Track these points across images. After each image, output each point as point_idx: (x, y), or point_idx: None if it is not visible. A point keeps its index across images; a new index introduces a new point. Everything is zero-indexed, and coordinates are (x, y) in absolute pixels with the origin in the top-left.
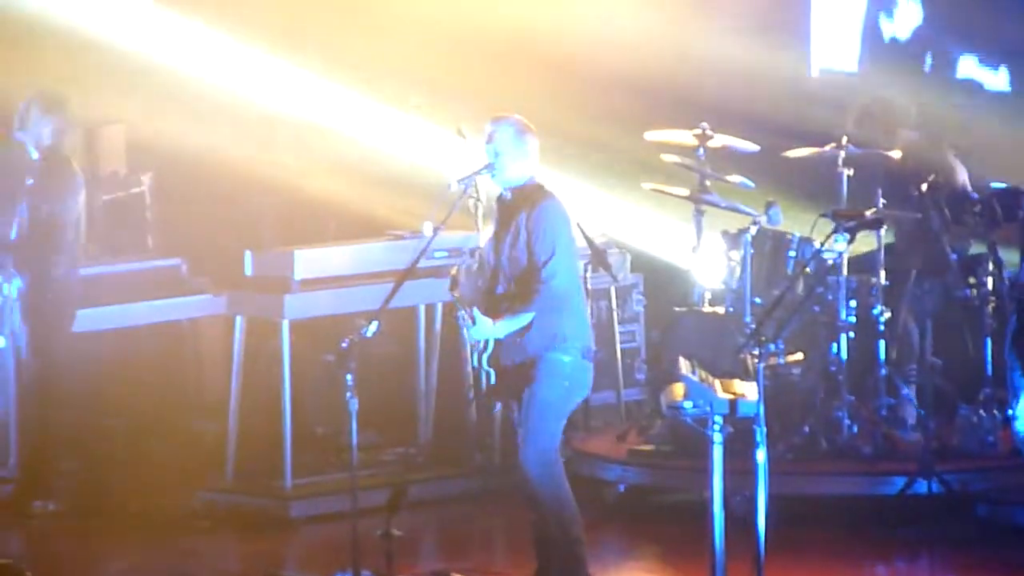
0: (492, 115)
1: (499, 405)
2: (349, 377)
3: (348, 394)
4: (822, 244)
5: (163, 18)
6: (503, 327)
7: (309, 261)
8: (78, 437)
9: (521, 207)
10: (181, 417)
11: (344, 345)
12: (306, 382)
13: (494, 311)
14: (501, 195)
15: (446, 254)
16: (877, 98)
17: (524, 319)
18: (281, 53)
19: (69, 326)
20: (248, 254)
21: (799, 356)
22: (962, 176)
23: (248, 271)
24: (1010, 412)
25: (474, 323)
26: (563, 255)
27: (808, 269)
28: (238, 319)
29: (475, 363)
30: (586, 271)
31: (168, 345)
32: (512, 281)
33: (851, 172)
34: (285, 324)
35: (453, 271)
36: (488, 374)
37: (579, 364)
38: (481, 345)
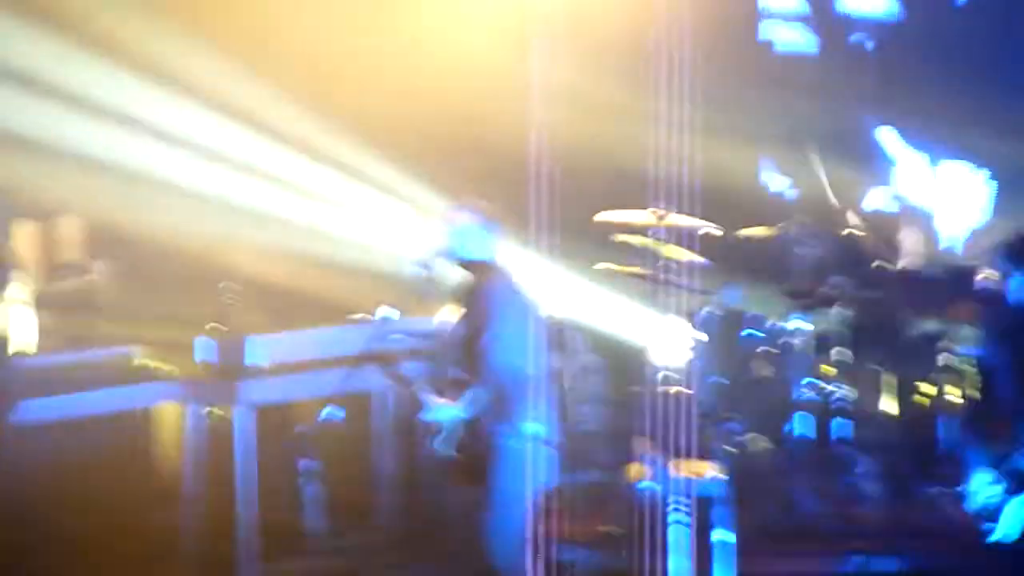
0: (451, 198)
1: (455, 490)
2: (305, 463)
3: (304, 480)
4: (779, 322)
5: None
6: (459, 408)
7: (263, 347)
8: (26, 529)
9: (482, 288)
10: (134, 507)
11: (300, 431)
12: (262, 469)
13: (451, 393)
14: (464, 277)
15: (403, 338)
16: (838, 176)
17: (483, 398)
18: (237, 138)
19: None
20: (200, 340)
21: (758, 436)
22: (921, 253)
23: (201, 358)
24: (963, 489)
25: (431, 405)
26: (522, 337)
27: (765, 348)
28: (191, 406)
29: (432, 446)
30: (543, 352)
31: (120, 434)
32: (469, 362)
33: (807, 250)
34: (239, 410)
35: (401, 353)
36: (443, 458)
37: (538, 446)
38: (436, 428)
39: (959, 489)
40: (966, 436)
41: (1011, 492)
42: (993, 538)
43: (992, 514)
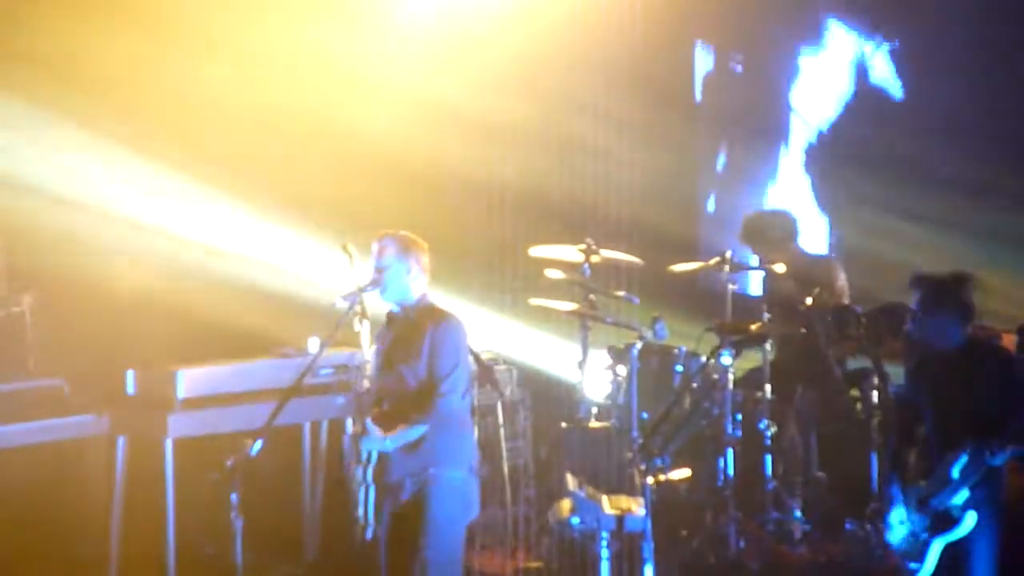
0: (377, 231)
1: (377, 524)
2: (234, 496)
3: (233, 513)
4: (708, 358)
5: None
6: (396, 439)
7: (192, 379)
8: None
9: (424, 324)
10: (62, 540)
11: (229, 464)
12: (191, 502)
13: (385, 425)
14: (393, 312)
15: (332, 371)
16: (765, 212)
17: (418, 432)
18: (163, 169)
19: None
20: (130, 373)
21: (686, 472)
22: (846, 290)
23: (130, 390)
24: (882, 524)
25: (367, 433)
26: (462, 372)
27: (694, 383)
28: (120, 439)
29: (360, 479)
30: (473, 387)
31: (50, 467)
32: (402, 397)
33: (736, 287)
34: (168, 443)
35: (331, 386)
36: (369, 488)
37: (469, 480)
38: (366, 458)
39: (884, 526)
40: (888, 474)
41: (934, 532)
42: None
43: (917, 554)
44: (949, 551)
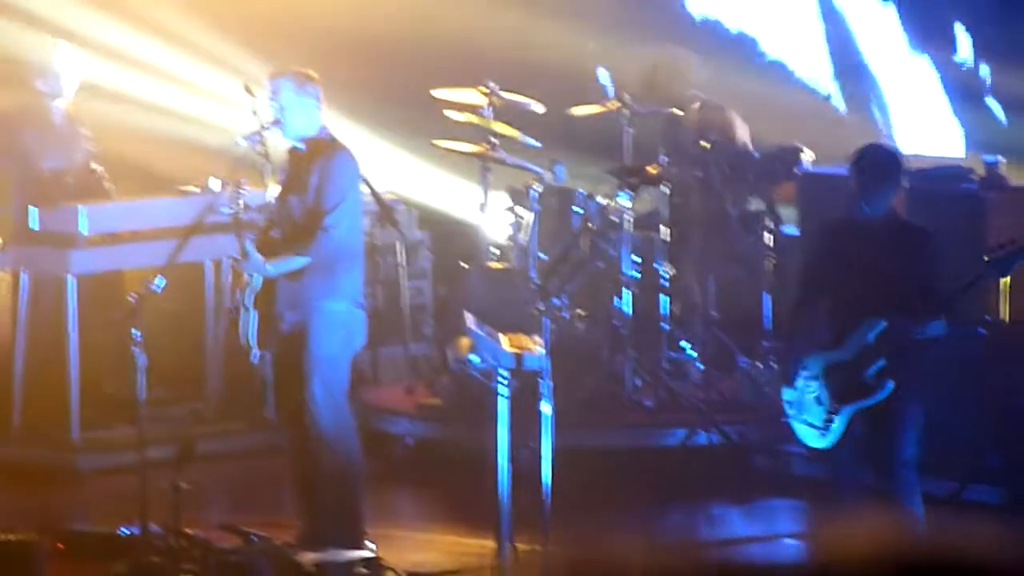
0: (278, 70)
1: (261, 354)
2: (137, 332)
3: (136, 349)
4: (606, 200)
5: None
6: (276, 265)
7: (95, 216)
8: None
9: (315, 157)
10: None
11: (132, 300)
12: (94, 337)
13: (270, 252)
14: (293, 147)
15: (234, 209)
16: (666, 57)
17: (299, 261)
18: (70, 9)
19: None
20: (33, 209)
21: (584, 312)
22: (744, 134)
23: (33, 226)
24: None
25: (247, 257)
26: (349, 207)
27: (592, 225)
28: (23, 276)
29: (243, 303)
30: (374, 227)
31: None
32: (290, 226)
33: (634, 130)
34: (71, 279)
35: (231, 225)
36: (251, 313)
37: (352, 312)
38: (248, 282)
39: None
40: (789, 340)
41: (844, 400)
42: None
43: (823, 422)
44: (869, 420)
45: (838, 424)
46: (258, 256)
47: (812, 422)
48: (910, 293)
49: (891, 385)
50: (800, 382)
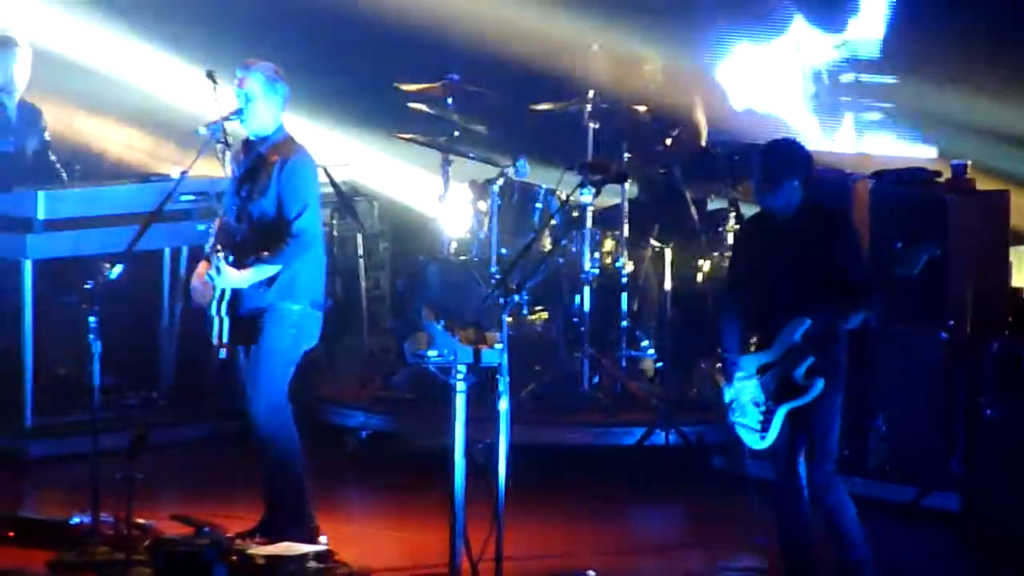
0: (243, 61)
1: (225, 352)
2: (93, 319)
3: (92, 336)
4: (568, 196)
5: None
6: (249, 277)
7: (54, 201)
8: None
9: (272, 160)
10: None
11: (88, 287)
12: (49, 323)
13: (239, 261)
14: (249, 140)
15: (193, 198)
16: (628, 54)
17: (271, 270)
18: None
19: None
20: None
21: (543, 312)
22: (705, 131)
23: None
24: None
25: (219, 273)
26: (312, 209)
27: (554, 221)
28: None
29: (212, 311)
30: (333, 219)
31: None
32: (257, 231)
33: (597, 126)
34: (28, 264)
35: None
36: (222, 321)
37: (307, 313)
38: (219, 293)
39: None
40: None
41: (780, 400)
42: (757, 445)
43: (761, 423)
44: (794, 416)
45: (775, 425)
46: (230, 273)
47: (749, 424)
48: (830, 284)
49: (821, 383)
50: (736, 383)
